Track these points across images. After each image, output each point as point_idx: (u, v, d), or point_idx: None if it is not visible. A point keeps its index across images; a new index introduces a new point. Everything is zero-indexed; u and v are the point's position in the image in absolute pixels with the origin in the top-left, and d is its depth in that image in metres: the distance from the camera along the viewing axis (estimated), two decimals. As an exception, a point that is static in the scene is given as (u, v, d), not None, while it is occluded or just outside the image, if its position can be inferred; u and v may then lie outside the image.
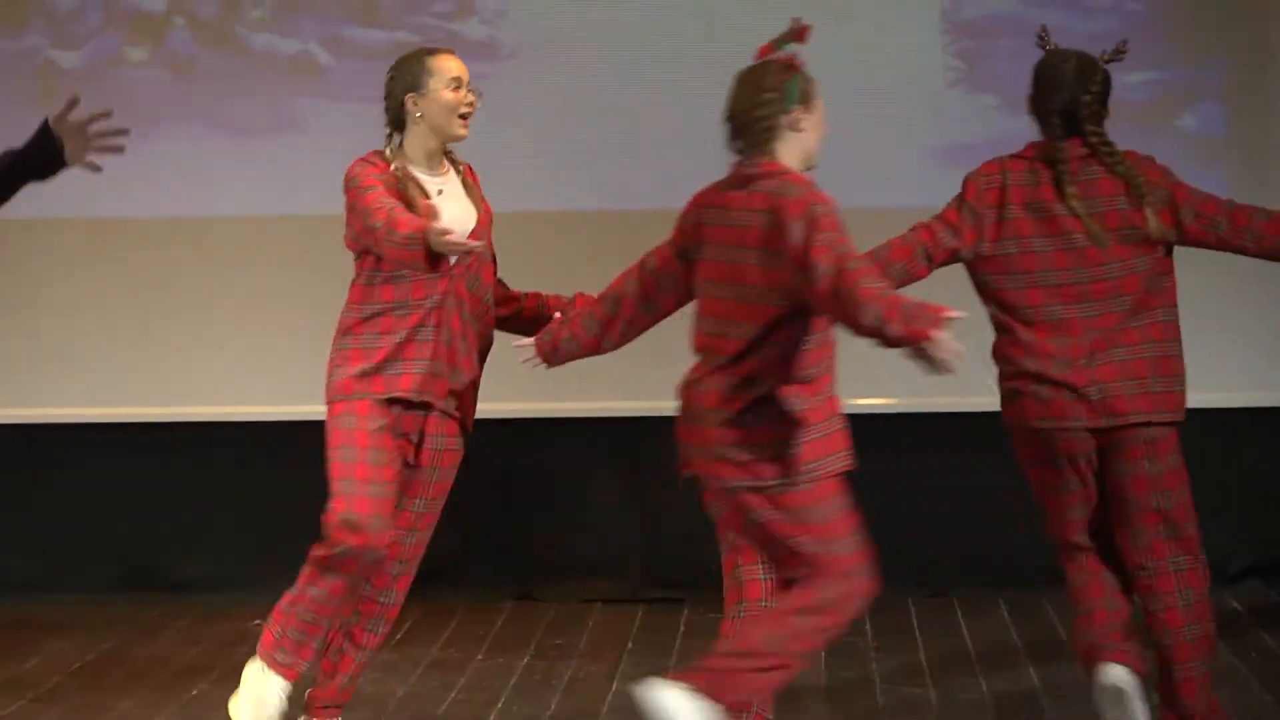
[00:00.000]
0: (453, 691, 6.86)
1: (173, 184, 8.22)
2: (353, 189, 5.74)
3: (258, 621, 8.10)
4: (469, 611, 8.02)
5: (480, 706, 6.63)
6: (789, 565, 5.16)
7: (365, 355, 5.75)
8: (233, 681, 6.82)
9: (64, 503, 8.43)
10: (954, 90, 8.18)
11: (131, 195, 8.16)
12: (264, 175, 8.23)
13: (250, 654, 7.39)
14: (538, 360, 5.65)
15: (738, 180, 5.20)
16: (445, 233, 5.45)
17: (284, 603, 5.78)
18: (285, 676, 5.75)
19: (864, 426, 7.93)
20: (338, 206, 8.23)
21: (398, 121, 5.81)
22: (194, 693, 6.92)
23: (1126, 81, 8.41)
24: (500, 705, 6.66)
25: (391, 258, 5.61)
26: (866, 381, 7.13)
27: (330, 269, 8.45)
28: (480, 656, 7.40)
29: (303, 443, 8.47)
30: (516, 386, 8.37)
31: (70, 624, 7.91)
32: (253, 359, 8.35)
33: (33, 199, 7.85)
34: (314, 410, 8.40)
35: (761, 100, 5.15)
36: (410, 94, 5.83)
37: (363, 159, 5.85)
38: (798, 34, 5.54)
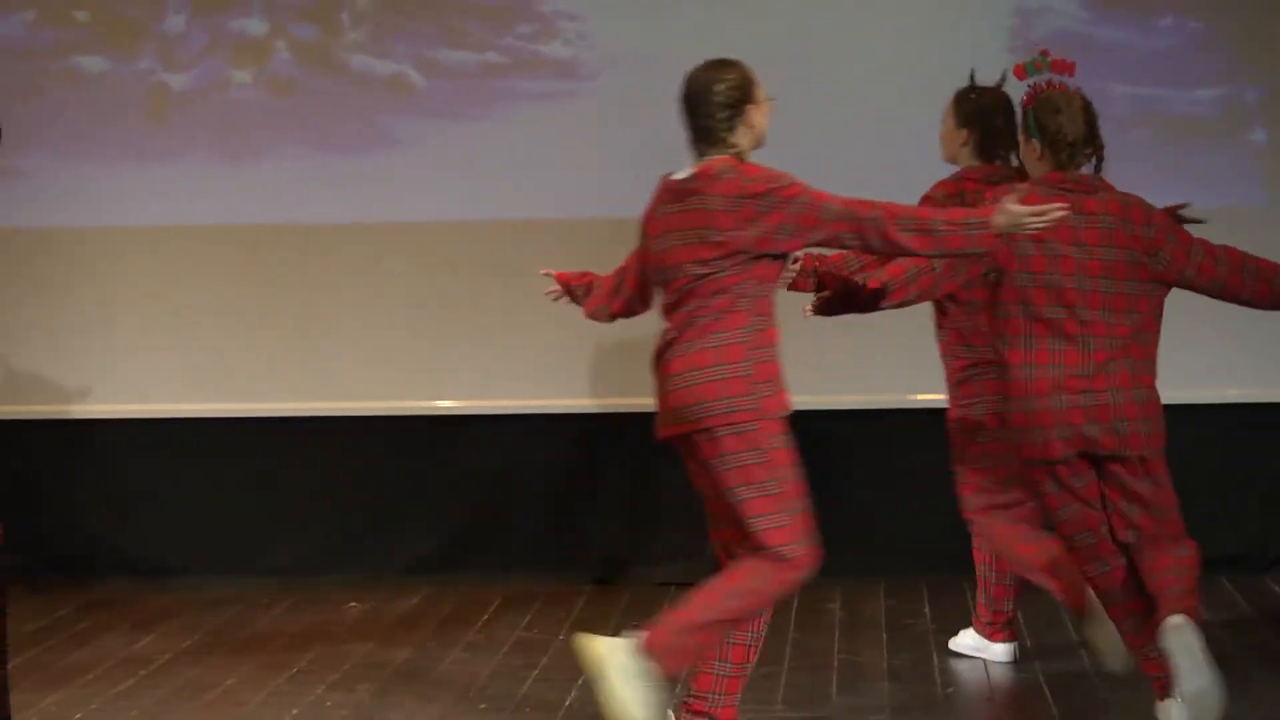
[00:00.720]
0: (535, 671, 6.91)
1: (277, 196, 8.23)
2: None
3: (353, 604, 8.06)
4: (550, 595, 8.05)
5: (561, 685, 6.67)
6: None
7: (775, 369, 5.59)
8: (329, 660, 7.06)
9: (176, 494, 8.42)
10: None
11: (237, 205, 8.20)
12: (361, 188, 8.23)
13: (344, 633, 7.45)
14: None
15: None
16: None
17: (705, 616, 5.48)
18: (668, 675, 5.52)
19: (924, 422, 8.06)
20: (427, 215, 8.52)
21: (721, 132, 5.58)
22: (294, 670, 6.96)
23: (1194, 97, 8.49)
24: (580, 683, 6.66)
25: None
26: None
27: (415, 272, 8.35)
28: (561, 637, 7.42)
29: (389, 436, 8.38)
30: (594, 385, 8.37)
31: (181, 606, 7.95)
32: (357, 356, 8.29)
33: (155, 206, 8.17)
34: (406, 406, 8.42)
35: None
36: (749, 105, 5.71)
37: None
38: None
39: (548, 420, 8.39)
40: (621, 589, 8.27)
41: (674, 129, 8.28)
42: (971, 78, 6.94)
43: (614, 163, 8.18)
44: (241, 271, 8.34)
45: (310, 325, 8.41)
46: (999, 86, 6.80)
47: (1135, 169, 8.20)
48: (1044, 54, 6.23)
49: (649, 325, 6.27)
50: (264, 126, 8.18)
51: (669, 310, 5.73)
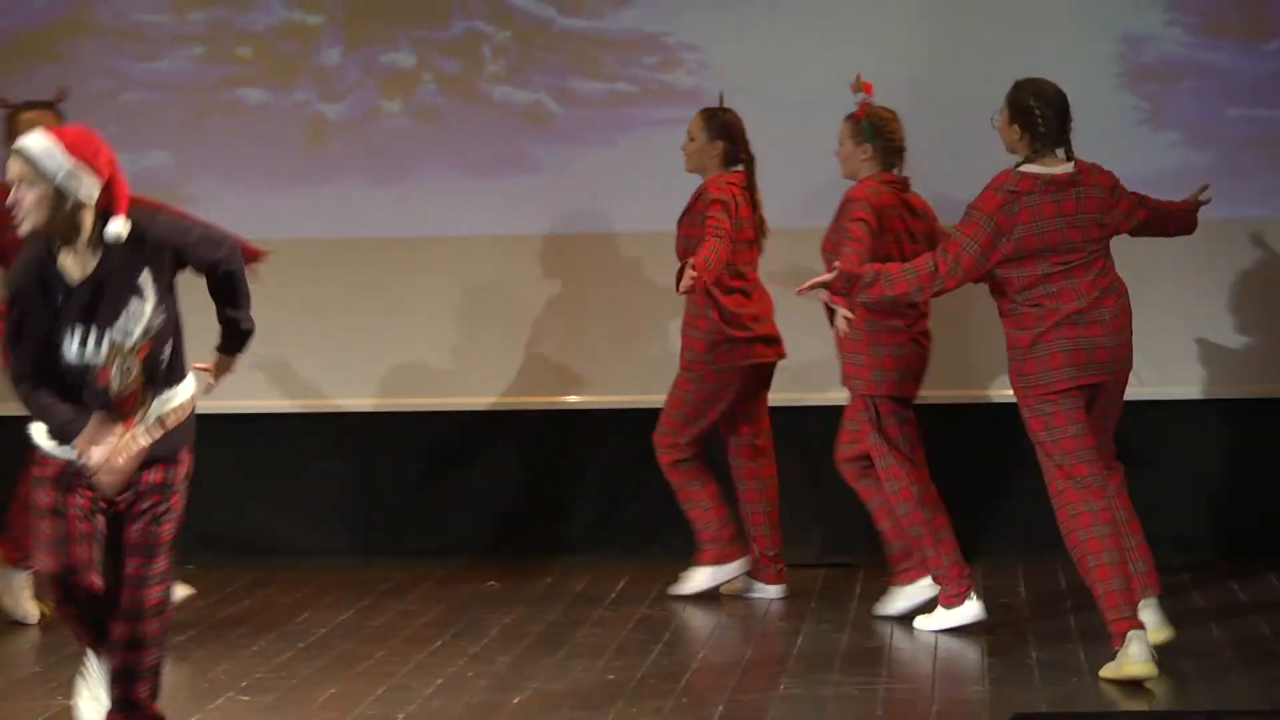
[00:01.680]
0: (659, 645, 6.98)
1: (422, 213, 8.37)
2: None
3: (492, 582, 8.14)
4: (674, 574, 8.01)
5: (684, 657, 6.79)
6: None
7: None
8: (470, 635, 7.14)
9: (333, 480, 8.61)
10: (1141, 128, 8.28)
11: (386, 221, 8.39)
12: (501, 208, 8.39)
13: (484, 610, 7.49)
14: None
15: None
16: None
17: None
18: None
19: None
20: (569, 229, 8.44)
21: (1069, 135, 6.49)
22: (437, 644, 7.04)
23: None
24: (701, 655, 6.82)
25: None
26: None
27: (551, 280, 8.49)
28: (682, 614, 7.51)
29: (528, 429, 8.54)
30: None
31: (336, 585, 8.07)
32: (497, 355, 8.41)
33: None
34: (542, 401, 8.45)
35: None
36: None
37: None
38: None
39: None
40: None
41: (786, 150, 8.20)
42: (722, 98, 7.66)
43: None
44: (393, 278, 8.44)
45: (456, 325, 8.46)
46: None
47: (1247, 187, 8.25)
48: (858, 76, 7.29)
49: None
50: (412, 151, 8.30)
51: (1057, 279, 6.37)
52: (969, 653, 6.85)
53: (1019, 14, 8.38)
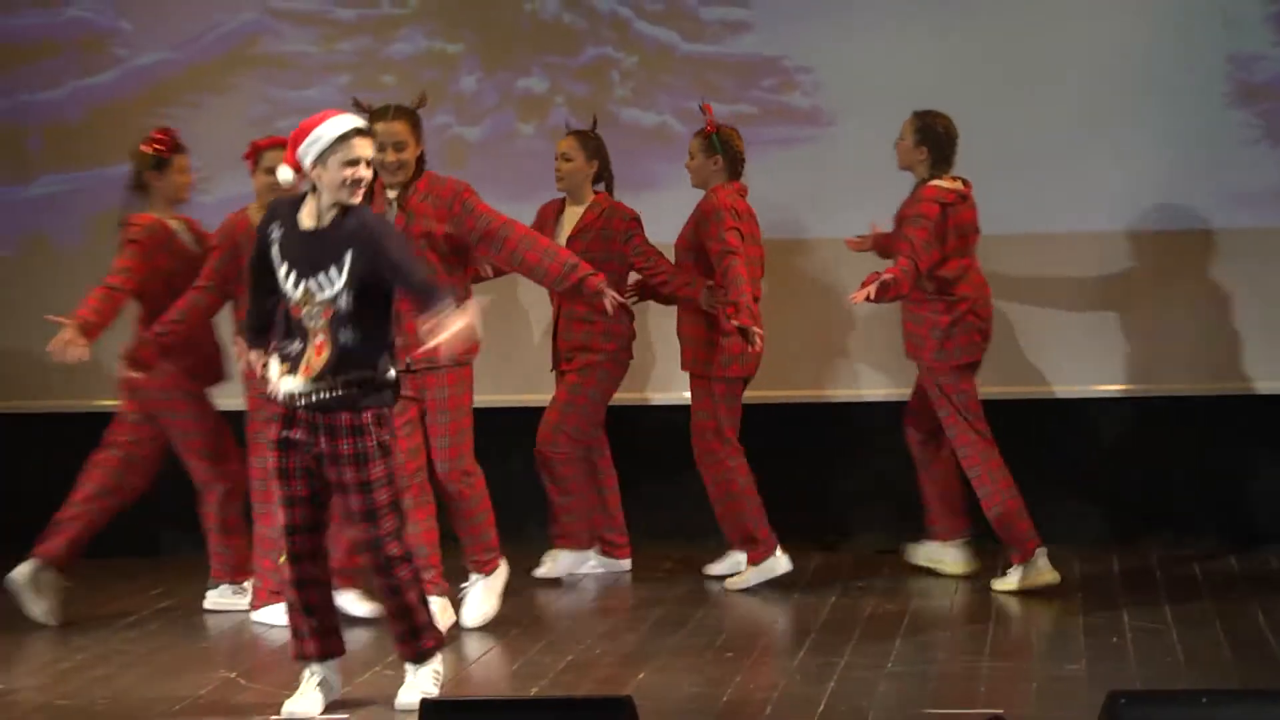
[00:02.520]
0: (772, 624, 7.14)
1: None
2: None
3: (668, 564, 8.35)
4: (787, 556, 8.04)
5: (797, 635, 6.88)
6: None
7: None
8: (674, 616, 7.28)
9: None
10: (1254, 147, 8.36)
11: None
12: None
13: (681, 594, 7.69)
14: None
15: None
16: None
17: None
18: None
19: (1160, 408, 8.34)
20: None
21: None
22: (648, 624, 7.26)
23: None
24: (814, 635, 6.86)
25: None
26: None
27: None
28: (797, 594, 7.60)
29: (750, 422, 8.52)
30: (834, 376, 8.63)
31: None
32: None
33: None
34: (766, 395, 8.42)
35: None
36: None
37: None
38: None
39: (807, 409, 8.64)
40: (847, 554, 8.41)
41: (893, 164, 8.21)
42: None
43: (852, 194, 8.38)
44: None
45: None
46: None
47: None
48: (703, 103, 7.88)
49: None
50: (545, 171, 8.29)
51: (967, 273, 7.47)
52: (1067, 633, 6.88)
53: (1126, 35, 8.39)
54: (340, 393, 5.78)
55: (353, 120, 5.87)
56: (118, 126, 8.75)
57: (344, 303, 5.76)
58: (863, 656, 6.58)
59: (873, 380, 8.64)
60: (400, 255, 5.82)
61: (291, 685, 6.07)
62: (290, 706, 5.93)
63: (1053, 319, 8.52)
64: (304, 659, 5.97)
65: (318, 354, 5.78)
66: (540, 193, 8.37)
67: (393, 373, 5.91)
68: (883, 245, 7.89)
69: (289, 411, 5.83)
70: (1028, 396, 8.51)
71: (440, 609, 6.84)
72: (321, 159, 5.76)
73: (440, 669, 6.02)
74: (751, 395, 8.08)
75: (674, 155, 8.49)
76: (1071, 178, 8.44)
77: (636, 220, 7.97)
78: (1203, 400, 8.48)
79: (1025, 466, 7.90)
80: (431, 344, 5.76)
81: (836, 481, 8.74)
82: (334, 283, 5.76)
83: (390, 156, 6.58)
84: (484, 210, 6.91)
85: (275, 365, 5.86)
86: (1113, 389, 8.55)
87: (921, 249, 7.40)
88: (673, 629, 7.10)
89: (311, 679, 5.96)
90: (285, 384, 5.81)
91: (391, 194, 6.92)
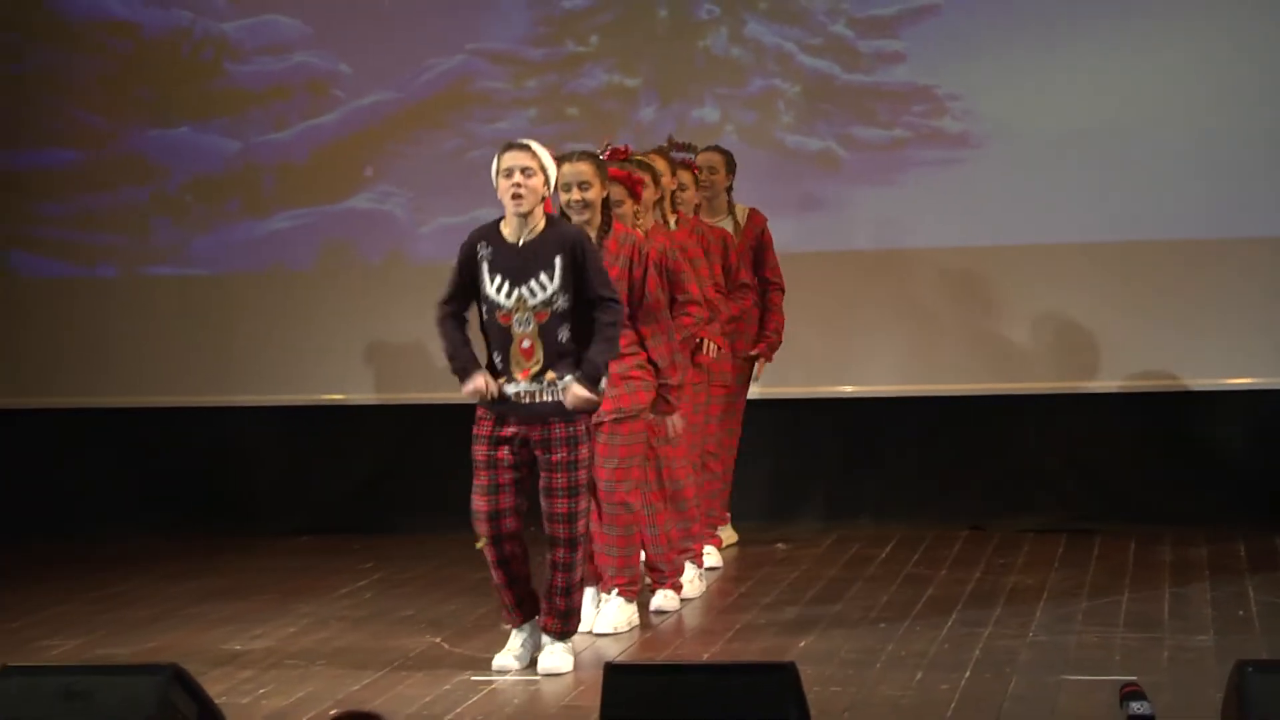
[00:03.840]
0: (922, 597, 7.12)
1: None
2: None
3: (780, 545, 8.36)
4: (935, 537, 8.30)
5: (941, 613, 6.83)
6: None
7: None
8: (761, 589, 7.31)
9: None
10: None
11: None
12: (794, 235, 8.60)
13: (775, 571, 7.68)
14: None
15: None
16: None
17: None
18: None
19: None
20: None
21: None
22: (732, 597, 7.28)
23: None
24: (959, 608, 6.89)
25: None
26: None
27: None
28: (944, 572, 7.59)
29: (833, 414, 8.86)
30: (986, 372, 8.76)
31: None
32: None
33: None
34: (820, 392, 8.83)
35: None
36: None
37: None
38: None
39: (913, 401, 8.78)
40: (990, 533, 8.44)
41: (1044, 184, 8.54)
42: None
43: (997, 212, 8.63)
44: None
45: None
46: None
47: None
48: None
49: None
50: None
51: None
52: (1195, 607, 6.83)
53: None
54: (555, 394, 6.02)
55: (511, 141, 6.15)
56: (340, 163, 9.08)
57: (559, 303, 6.00)
58: (1005, 627, 6.57)
59: (1021, 375, 8.67)
60: (596, 266, 6.06)
61: (489, 649, 6.27)
62: (500, 660, 6.18)
63: (1200, 315, 8.55)
64: (514, 626, 6.21)
65: (528, 356, 5.99)
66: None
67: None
68: None
69: (501, 411, 6.06)
70: (1171, 389, 8.61)
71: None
72: (493, 176, 6.09)
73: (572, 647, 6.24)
74: (908, 389, 8.36)
75: (835, 178, 8.64)
76: (1233, 193, 8.50)
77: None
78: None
79: (1166, 453, 8.13)
80: (566, 396, 6.00)
81: (983, 468, 8.81)
82: (546, 287, 6.04)
83: (575, 195, 6.62)
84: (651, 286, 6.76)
85: (489, 376, 6.06)
86: (1245, 382, 8.55)
87: None
88: (829, 602, 7.16)
89: (517, 637, 6.20)
90: (507, 388, 6.04)
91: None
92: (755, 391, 8.40)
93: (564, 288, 5.98)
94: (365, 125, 9.18)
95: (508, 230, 6.05)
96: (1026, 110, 8.55)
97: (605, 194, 6.57)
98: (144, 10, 9.32)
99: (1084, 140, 8.48)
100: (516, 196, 5.98)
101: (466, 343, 6.10)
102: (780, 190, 8.63)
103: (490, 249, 6.04)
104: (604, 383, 6.06)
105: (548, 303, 5.98)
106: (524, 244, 6.02)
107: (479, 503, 6.06)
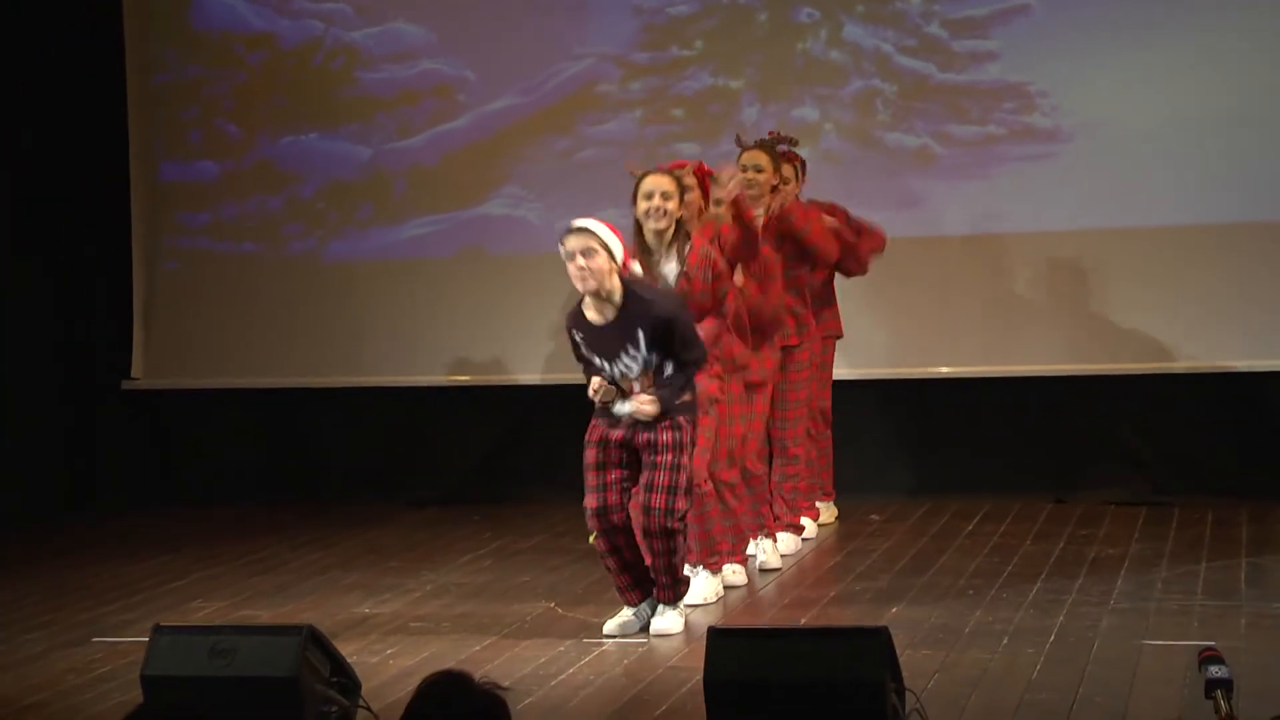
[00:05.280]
0: (1009, 566, 7.09)
1: None
2: None
3: (874, 516, 8.37)
4: (1021, 508, 8.29)
5: (1027, 581, 6.81)
6: None
7: None
8: (856, 559, 7.37)
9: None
10: None
11: None
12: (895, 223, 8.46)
13: (868, 542, 7.74)
14: None
15: None
16: None
17: None
18: None
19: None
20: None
21: None
22: (830, 565, 7.26)
23: None
24: (1043, 577, 6.85)
25: None
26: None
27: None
28: (1028, 543, 7.55)
29: (945, 394, 8.82)
30: (1079, 351, 8.68)
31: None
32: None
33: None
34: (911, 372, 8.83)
35: None
36: None
37: None
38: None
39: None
40: (1074, 506, 8.40)
41: (1129, 174, 8.48)
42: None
43: (1080, 203, 8.55)
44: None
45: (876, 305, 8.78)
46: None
47: None
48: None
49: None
50: (818, 190, 8.34)
51: None
52: (1273, 577, 6.77)
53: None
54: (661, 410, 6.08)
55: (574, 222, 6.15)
56: (469, 168, 9.11)
57: (654, 362, 6.11)
58: (1088, 595, 6.53)
59: (1103, 356, 8.62)
60: (684, 339, 6.15)
61: (600, 615, 6.35)
62: (612, 625, 6.28)
63: (1274, 296, 8.48)
64: (631, 606, 6.30)
65: (632, 391, 6.16)
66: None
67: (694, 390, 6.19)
68: None
69: (611, 419, 6.16)
70: (1248, 369, 8.56)
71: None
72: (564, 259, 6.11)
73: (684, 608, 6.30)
74: (996, 370, 8.50)
75: (933, 174, 8.60)
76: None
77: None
78: None
79: (1243, 430, 8.26)
80: (631, 403, 6.10)
81: (1066, 444, 8.76)
82: (636, 359, 6.12)
83: (656, 203, 6.56)
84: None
85: (608, 387, 6.16)
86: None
87: None
88: (920, 571, 7.15)
89: (630, 609, 6.31)
90: (620, 407, 6.16)
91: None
92: (852, 373, 8.44)
93: (652, 350, 6.10)
94: (494, 130, 9.26)
95: (591, 313, 6.10)
96: (1114, 104, 8.53)
97: (681, 211, 6.51)
98: (279, 20, 9.35)
99: (1170, 131, 8.46)
100: (583, 280, 6.03)
101: None
102: (878, 186, 8.59)
103: (581, 334, 6.13)
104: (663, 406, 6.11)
105: (644, 368, 6.10)
106: (607, 326, 6.07)
107: (590, 500, 6.17)
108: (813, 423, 7.81)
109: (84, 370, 9.56)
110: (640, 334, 6.01)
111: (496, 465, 9.22)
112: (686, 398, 6.16)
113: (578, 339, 6.14)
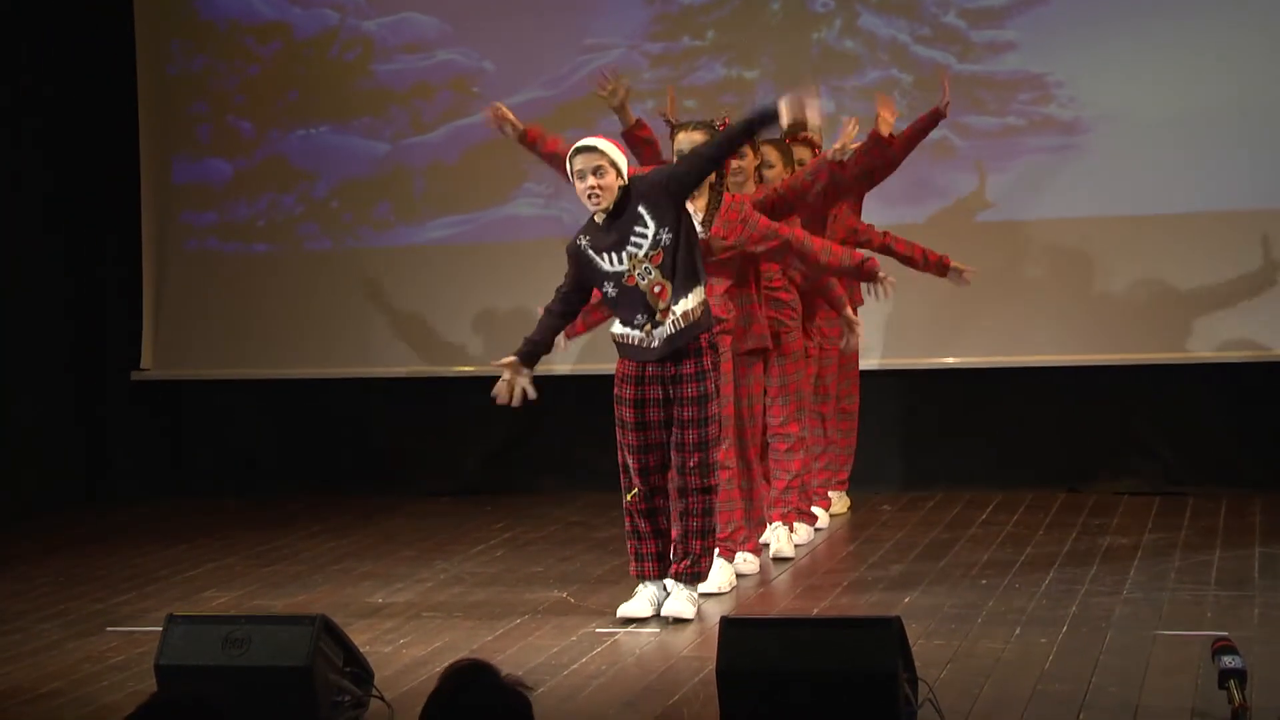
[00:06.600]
0: (1021, 556, 7.09)
1: None
2: None
3: (885, 506, 8.39)
4: (1034, 499, 8.29)
5: (1040, 568, 6.78)
6: None
7: None
8: (870, 548, 7.38)
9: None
10: None
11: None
12: (913, 213, 8.59)
13: (881, 532, 7.75)
14: None
15: None
16: None
17: None
18: None
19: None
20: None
21: None
22: (845, 553, 7.32)
23: None
24: (1056, 567, 6.87)
25: None
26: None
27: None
28: (1041, 533, 7.57)
29: (964, 384, 8.86)
30: (1088, 341, 8.67)
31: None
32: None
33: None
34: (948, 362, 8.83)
35: None
36: None
37: None
38: None
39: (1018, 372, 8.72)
40: (1086, 495, 8.44)
41: (1151, 169, 8.48)
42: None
43: (1094, 193, 8.55)
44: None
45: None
46: None
47: None
48: None
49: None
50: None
51: None
52: None
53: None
54: (685, 326, 6.11)
55: (581, 142, 6.15)
56: (490, 163, 9.07)
57: (664, 239, 6.06)
58: (1101, 584, 6.54)
59: (1115, 345, 8.62)
60: (670, 170, 6.19)
61: (613, 603, 6.34)
62: (625, 609, 6.26)
63: None
64: (643, 579, 6.26)
65: (663, 296, 6.09)
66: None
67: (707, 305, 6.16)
68: None
69: (640, 372, 6.16)
70: (1262, 359, 8.57)
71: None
72: (570, 178, 6.16)
73: (698, 596, 6.26)
74: (1009, 360, 8.46)
75: (950, 165, 8.59)
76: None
77: None
78: None
79: (1257, 420, 8.30)
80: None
81: (1080, 434, 8.75)
82: (645, 235, 6.08)
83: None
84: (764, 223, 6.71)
85: (638, 333, 6.15)
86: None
87: None
88: (932, 560, 7.16)
89: (644, 591, 6.26)
90: (657, 334, 6.14)
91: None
92: (866, 363, 8.44)
93: (660, 223, 6.05)
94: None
95: (598, 219, 6.12)
96: (1131, 95, 8.54)
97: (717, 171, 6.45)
98: (290, 10, 9.37)
99: (1188, 121, 8.46)
100: (594, 198, 6.04)
101: (544, 330, 6.29)
102: (895, 176, 8.38)
103: (589, 237, 6.10)
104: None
105: (655, 244, 6.03)
106: (609, 218, 6.08)
107: (631, 460, 6.15)
108: (835, 412, 7.86)
109: (95, 362, 9.60)
110: (641, 209, 6.04)
111: (510, 456, 9.27)
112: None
113: (584, 244, 6.11)
